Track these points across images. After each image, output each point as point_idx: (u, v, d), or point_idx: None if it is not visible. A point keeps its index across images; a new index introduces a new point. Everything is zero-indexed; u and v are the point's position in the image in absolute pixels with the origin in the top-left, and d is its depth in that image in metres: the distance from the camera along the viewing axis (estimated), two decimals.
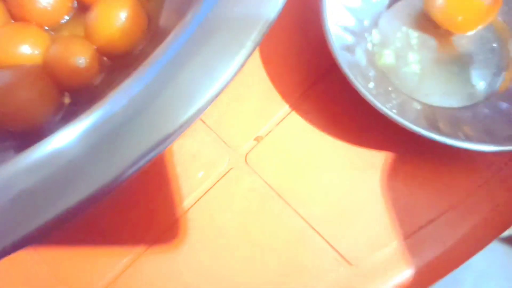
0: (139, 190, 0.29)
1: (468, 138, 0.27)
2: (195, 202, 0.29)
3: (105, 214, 0.28)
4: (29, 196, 0.15)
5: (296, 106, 0.31)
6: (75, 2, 0.32)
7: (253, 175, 0.29)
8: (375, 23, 0.32)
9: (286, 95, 0.31)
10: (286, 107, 0.31)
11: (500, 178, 0.29)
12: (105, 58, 0.31)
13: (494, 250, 0.78)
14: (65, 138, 0.16)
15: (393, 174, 0.29)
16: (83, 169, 0.16)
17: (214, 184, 0.29)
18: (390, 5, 0.33)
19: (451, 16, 0.30)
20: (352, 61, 0.29)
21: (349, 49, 0.30)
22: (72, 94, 0.30)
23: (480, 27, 0.30)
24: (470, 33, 0.31)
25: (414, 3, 0.33)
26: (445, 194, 0.29)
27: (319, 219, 0.28)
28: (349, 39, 0.30)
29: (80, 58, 0.29)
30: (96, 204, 0.16)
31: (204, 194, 0.29)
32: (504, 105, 0.30)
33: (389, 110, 0.27)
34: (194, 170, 0.29)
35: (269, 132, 0.30)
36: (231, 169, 0.29)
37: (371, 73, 0.30)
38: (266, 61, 0.32)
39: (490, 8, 0.29)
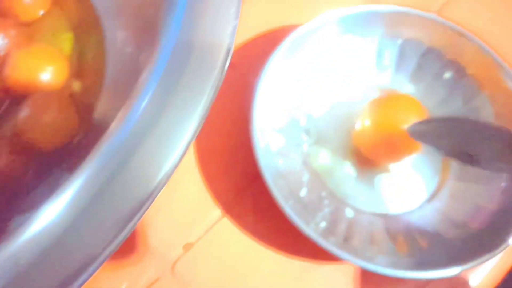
0: None
1: (398, 255, 0.26)
2: None
3: None
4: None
5: (228, 209, 0.30)
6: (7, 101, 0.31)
7: (181, 287, 0.28)
8: (312, 122, 0.32)
9: (219, 198, 0.30)
10: (218, 211, 0.30)
11: None
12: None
13: None
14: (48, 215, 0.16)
15: (328, 283, 0.28)
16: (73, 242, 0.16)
17: None
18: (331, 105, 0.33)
19: (376, 154, 0.30)
20: (284, 166, 0.29)
21: (282, 152, 0.29)
22: None
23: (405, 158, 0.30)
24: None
25: (354, 103, 0.33)
26: None
27: None
28: (282, 141, 0.30)
29: None
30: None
31: None
32: (439, 212, 0.29)
33: (318, 223, 0.26)
34: (117, 280, 0.28)
35: (199, 238, 0.29)
36: (157, 279, 0.28)
37: (305, 178, 0.29)
38: (201, 161, 0.31)
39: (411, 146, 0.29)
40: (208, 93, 0.18)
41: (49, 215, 0.16)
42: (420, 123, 0.26)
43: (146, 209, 0.17)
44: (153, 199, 0.17)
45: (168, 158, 0.17)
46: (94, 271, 0.16)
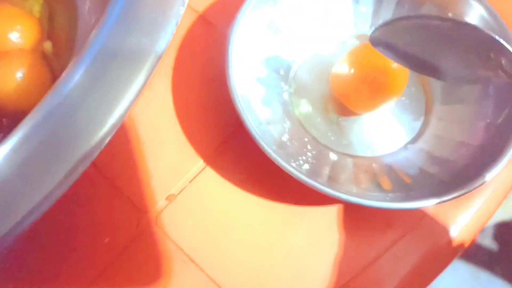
0: (38, 265, 0.26)
1: (383, 192, 0.26)
2: (100, 273, 0.26)
3: None
4: None
5: (210, 161, 0.29)
6: None
7: (165, 239, 0.27)
8: (291, 72, 0.31)
9: (200, 150, 0.29)
10: (200, 162, 0.29)
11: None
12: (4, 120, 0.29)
13: (461, 271, 0.78)
14: None
15: (315, 228, 0.28)
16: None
17: (123, 250, 0.27)
18: (309, 54, 0.32)
19: (353, 103, 0.30)
20: (265, 115, 0.28)
21: (263, 101, 0.29)
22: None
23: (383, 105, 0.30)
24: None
25: (333, 53, 0.32)
26: (380, 236, 0.27)
27: (235, 283, 0.26)
28: (262, 90, 0.29)
29: None
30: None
31: (111, 262, 0.27)
32: (422, 151, 0.29)
33: (301, 165, 0.26)
34: (100, 235, 0.27)
35: (182, 190, 0.28)
36: (141, 232, 0.27)
37: (287, 125, 0.29)
38: (181, 116, 0.30)
39: (389, 92, 0.29)
40: (156, 49, 0.18)
41: None
42: (385, 25, 0.23)
43: (89, 160, 0.16)
44: (93, 155, 0.17)
45: (112, 111, 0.17)
46: (27, 224, 0.16)
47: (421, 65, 0.23)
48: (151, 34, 0.19)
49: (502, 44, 0.19)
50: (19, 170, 0.16)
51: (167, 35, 0.19)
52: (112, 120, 0.17)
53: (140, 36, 0.19)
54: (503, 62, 0.20)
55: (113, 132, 0.17)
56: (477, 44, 0.20)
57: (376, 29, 0.23)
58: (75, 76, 0.18)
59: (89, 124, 0.17)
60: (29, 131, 0.17)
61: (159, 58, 0.19)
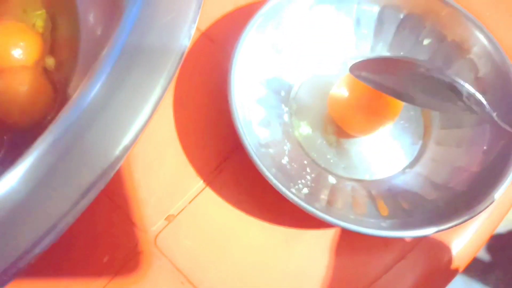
0: (35, 282, 0.26)
1: (380, 218, 0.26)
2: None
3: None
4: None
5: (210, 181, 0.29)
6: None
7: (163, 259, 0.27)
8: (292, 93, 0.32)
9: (200, 170, 0.30)
10: (200, 183, 0.29)
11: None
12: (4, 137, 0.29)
13: (454, 281, 0.78)
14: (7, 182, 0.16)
15: (312, 250, 0.28)
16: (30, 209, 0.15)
17: (120, 270, 0.27)
18: (310, 75, 0.32)
19: (349, 124, 0.30)
20: (264, 136, 0.28)
21: (262, 123, 0.29)
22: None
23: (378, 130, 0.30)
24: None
25: (333, 74, 0.32)
26: (378, 259, 0.28)
27: None
28: (262, 111, 0.29)
29: None
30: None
31: (108, 282, 0.27)
32: (421, 176, 0.29)
33: (300, 190, 0.26)
34: (98, 254, 0.27)
35: (182, 210, 0.28)
36: (139, 252, 0.27)
37: (286, 147, 0.29)
38: (181, 134, 0.31)
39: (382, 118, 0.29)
40: (168, 69, 0.18)
41: (1, 188, 0.16)
42: (360, 61, 0.27)
43: (104, 183, 0.17)
44: (110, 174, 0.17)
45: (125, 134, 0.17)
46: (49, 243, 0.16)
47: (396, 93, 0.26)
48: (171, 34, 0.19)
49: (462, 85, 0.23)
50: (34, 192, 0.16)
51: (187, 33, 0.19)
52: (135, 128, 0.17)
53: (160, 35, 0.19)
54: (464, 96, 0.23)
55: (130, 148, 0.17)
56: (443, 84, 0.22)
57: (355, 64, 0.27)
58: (92, 89, 0.18)
59: (110, 136, 0.17)
60: (44, 150, 0.17)
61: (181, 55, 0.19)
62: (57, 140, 0.17)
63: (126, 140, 0.17)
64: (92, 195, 0.17)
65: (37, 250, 0.16)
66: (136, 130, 0.17)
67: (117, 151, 0.17)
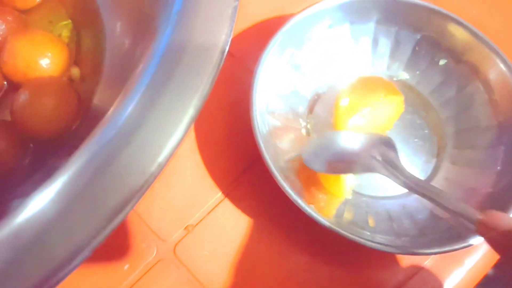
0: None
1: (393, 234, 0.27)
2: None
3: None
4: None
5: (228, 192, 0.30)
6: (5, 82, 0.31)
7: (182, 268, 0.28)
8: (309, 108, 0.32)
9: (219, 181, 0.30)
10: (219, 194, 0.30)
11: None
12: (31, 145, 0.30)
13: None
14: (33, 207, 0.16)
15: (327, 264, 0.29)
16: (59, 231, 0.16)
17: (140, 278, 0.28)
18: (327, 91, 0.33)
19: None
20: (284, 151, 0.29)
21: (281, 137, 0.30)
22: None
23: None
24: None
25: None
26: (390, 276, 0.28)
27: None
28: (281, 127, 0.30)
29: None
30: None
31: None
32: None
33: (317, 203, 0.27)
34: (119, 262, 0.28)
35: (201, 220, 0.29)
36: (159, 261, 0.28)
37: None
38: (201, 146, 0.31)
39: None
40: (201, 90, 0.19)
41: (38, 204, 0.16)
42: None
43: (137, 201, 0.17)
44: (144, 191, 0.17)
45: (156, 157, 0.17)
46: (82, 260, 0.16)
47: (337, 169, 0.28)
48: (204, 55, 0.19)
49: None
50: (62, 214, 0.17)
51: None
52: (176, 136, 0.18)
53: (194, 56, 0.19)
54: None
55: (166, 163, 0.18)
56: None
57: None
58: (128, 106, 0.18)
59: (146, 154, 0.17)
60: (74, 174, 0.17)
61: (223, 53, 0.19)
62: (93, 157, 0.17)
63: (161, 158, 0.17)
64: (124, 214, 0.17)
65: (67, 270, 0.16)
66: (171, 148, 0.18)
67: (153, 167, 0.17)
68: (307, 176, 0.29)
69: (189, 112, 0.18)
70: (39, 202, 0.16)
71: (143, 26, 0.26)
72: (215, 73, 0.19)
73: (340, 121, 0.30)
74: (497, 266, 0.31)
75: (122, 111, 0.18)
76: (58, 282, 0.16)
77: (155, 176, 0.17)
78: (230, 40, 0.20)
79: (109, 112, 0.19)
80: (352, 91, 0.30)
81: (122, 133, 0.18)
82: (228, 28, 0.20)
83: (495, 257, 0.30)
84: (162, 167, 0.18)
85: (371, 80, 0.32)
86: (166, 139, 0.18)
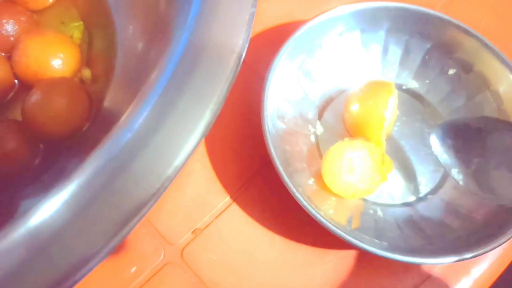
0: None
1: (402, 242, 0.27)
2: None
3: None
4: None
5: (236, 197, 0.30)
6: (17, 82, 0.31)
7: (189, 272, 0.28)
8: (318, 115, 0.32)
9: (228, 185, 0.30)
10: (227, 198, 0.30)
11: None
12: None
13: None
14: (49, 208, 0.16)
15: (334, 270, 0.29)
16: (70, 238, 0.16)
17: (147, 281, 0.28)
18: (334, 98, 0.33)
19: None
20: (292, 156, 0.29)
21: (291, 143, 0.30)
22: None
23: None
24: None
25: None
26: (398, 283, 0.28)
27: None
28: (290, 132, 0.30)
29: None
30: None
31: None
32: (443, 203, 0.30)
33: (325, 209, 0.27)
34: (127, 264, 0.28)
35: (209, 224, 0.29)
36: (166, 264, 0.28)
37: (313, 168, 0.30)
38: (211, 149, 0.31)
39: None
40: (218, 95, 0.19)
41: (53, 206, 0.16)
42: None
43: (152, 205, 0.17)
44: (160, 195, 0.17)
45: (172, 161, 0.17)
46: (97, 263, 0.16)
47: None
48: (220, 61, 0.19)
49: None
50: (77, 217, 0.17)
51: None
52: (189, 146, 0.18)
53: (211, 62, 0.19)
54: None
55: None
56: None
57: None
58: (144, 110, 0.18)
59: (162, 157, 0.17)
60: (89, 176, 0.17)
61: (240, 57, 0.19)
62: (109, 159, 0.17)
63: (177, 162, 0.17)
64: (139, 217, 0.17)
65: (82, 273, 0.16)
66: (188, 152, 0.18)
67: (169, 171, 0.17)
68: (319, 180, 0.29)
69: (206, 116, 0.18)
70: (55, 204, 0.16)
71: (158, 29, 0.27)
72: (232, 78, 0.19)
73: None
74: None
75: (139, 114, 0.18)
76: (72, 285, 0.16)
77: (171, 179, 0.17)
78: (247, 45, 0.20)
79: (125, 115, 0.19)
80: (361, 96, 0.30)
81: (139, 136, 0.18)
82: (245, 34, 0.20)
83: (502, 267, 0.30)
84: (178, 171, 0.18)
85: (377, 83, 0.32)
86: (183, 143, 0.18)
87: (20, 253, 0.16)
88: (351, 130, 0.31)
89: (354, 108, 0.29)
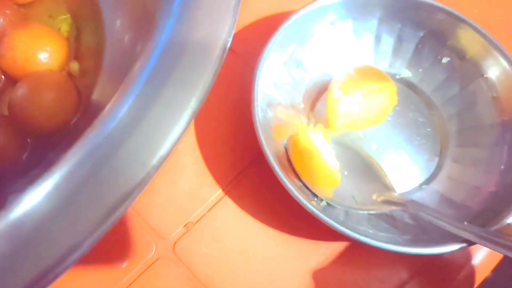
0: None
1: (396, 233, 0.26)
2: None
3: None
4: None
5: (229, 190, 0.30)
6: (3, 76, 0.31)
7: (181, 266, 0.28)
8: (312, 106, 0.32)
9: (220, 178, 0.30)
10: (219, 191, 0.30)
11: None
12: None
13: None
14: (31, 200, 0.15)
15: (328, 262, 0.28)
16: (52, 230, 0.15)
17: (139, 276, 0.27)
18: (326, 88, 0.33)
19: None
20: (284, 147, 0.29)
21: (283, 134, 0.30)
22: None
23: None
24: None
25: None
26: (393, 274, 0.28)
27: None
28: (283, 124, 0.30)
29: None
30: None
31: (128, 287, 0.27)
32: (437, 193, 0.30)
33: (319, 202, 0.27)
34: (118, 259, 0.27)
35: (201, 218, 0.29)
36: (158, 259, 0.28)
37: None
38: (202, 142, 0.31)
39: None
40: (204, 82, 0.18)
41: (35, 198, 0.16)
42: None
43: (137, 194, 0.17)
44: (145, 185, 0.17)
45: (157, 150, 0.17)
46: (80, 255, 0.16)
47: None
48: (206, 49, 0.19)
49: None
50: (60, 208, 0.16)
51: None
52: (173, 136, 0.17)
53: (195, 50, 0.19)
54: None
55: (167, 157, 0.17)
56: None
57: None
58: (128, 99, 0.18)
59: (146, 147, 0.17)
60: (73, 166, 0.17)
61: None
62: (92, 149, 0.17)
63: (162, 151, 0.17)
64: (125, 208, 0.17)
65: (65, 265, 0.15)
66: (173, 141, 0.17)
67: (154, 160, 0.17)
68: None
69: (191, 104, 0.18)
70: (37, 196, 0.16)
71: (144, 21, 0.26)
72: (218, 65, 0.19)
73: (332, 108, 0.29)
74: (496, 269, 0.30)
75: (123, 103, 0.18)
76: (55, 277, 0.15)
77: (156, 169, 0.17)
78: (233, 32, 0.19)
79: (109, 104, 0.19)
80: (344, 79, 0.29)
81: (123, 125, 0.17)
82: (231, 20, 0.19)
83: (499, 255, 0.30)
84: (163, 160, 0.17)
85: (364, 68, 0.31)
86: (168, 132, 0.17)
87: (2, 247, 0.15)
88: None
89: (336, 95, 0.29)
